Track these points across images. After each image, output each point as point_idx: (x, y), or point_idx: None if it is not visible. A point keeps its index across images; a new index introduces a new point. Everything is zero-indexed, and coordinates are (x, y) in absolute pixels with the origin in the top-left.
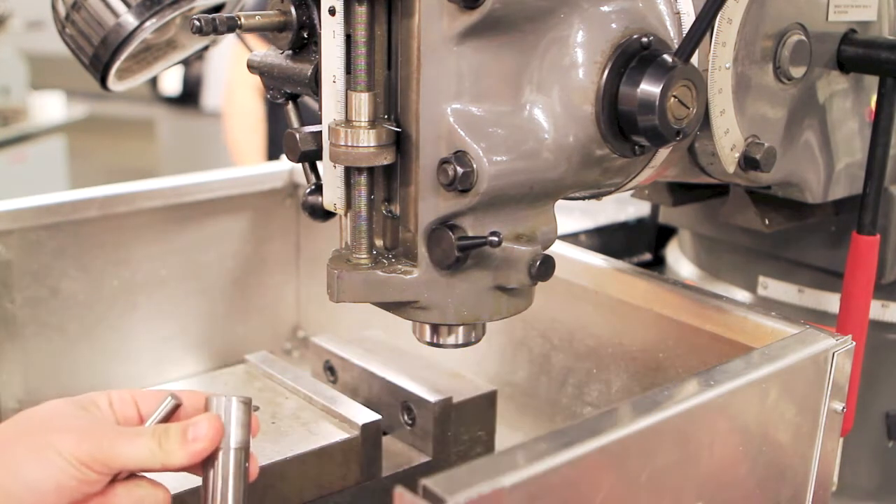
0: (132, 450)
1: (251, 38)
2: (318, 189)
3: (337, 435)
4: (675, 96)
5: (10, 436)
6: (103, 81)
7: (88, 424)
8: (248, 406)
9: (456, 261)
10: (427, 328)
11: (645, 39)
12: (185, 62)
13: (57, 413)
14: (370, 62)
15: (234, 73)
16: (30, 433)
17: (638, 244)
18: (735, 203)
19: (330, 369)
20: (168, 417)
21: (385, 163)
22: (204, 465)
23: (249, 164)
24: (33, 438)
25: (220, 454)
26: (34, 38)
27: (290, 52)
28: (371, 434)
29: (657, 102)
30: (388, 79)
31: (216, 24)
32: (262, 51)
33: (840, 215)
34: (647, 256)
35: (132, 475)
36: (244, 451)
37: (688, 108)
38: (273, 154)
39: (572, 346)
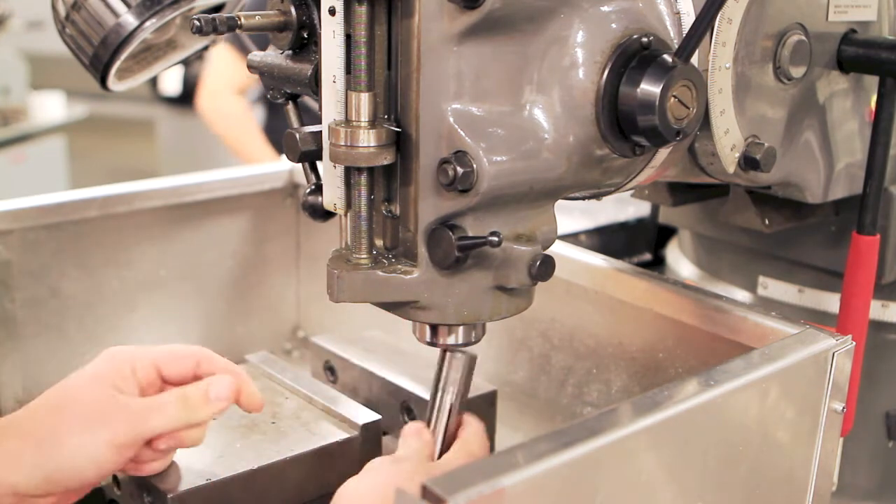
0: (161, 420)
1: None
2: (318, 189)
3: (337, 435)
4: (675, 96)
5: (53, 423)
6: (103, 81)
7: (121, 409)
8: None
9: (456, 261)
10: (427, 328)
11: (645, 39)
12: (185, 62)
13: (93, 398)
14: (370, 62)
15: (215, 81)
16: (72, 422)
17: (638, 244)
18: (735, 203)
19: (330, 369)
20: None
21: (385, 163)
22: None
23: (258, 159)
24: (77, 428)
25: None
26: (34, 38)
27: (290, 52)
28: (371, 434)
29: (657, 102)
30: (388, 79)
31: (216, 24)
32: (261, 51)
33: (840, 215)
34: (647, 256)
35: None
36: None
37: (688, 108)
38: (274, 140)
39: (572, 346)
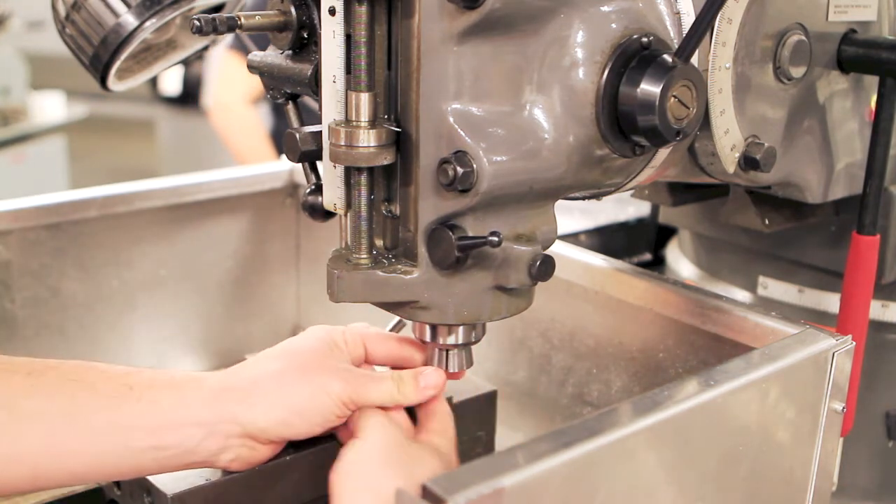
0: (378, 392)
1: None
2: (318, 189)
3: None
4: (675, 96)
5: (286, 369)
6: (103, 81)
7: (346, 369)
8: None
9: (456, 261)
10: (427, 328)
11: (645, 39)
12: (185, 62)
13: (320, 353)
14: (370, 62)
15: (225, 92)
16: (304, 370)
17: (638, 244)
18: (735, 203)
19: None
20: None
21: (385, 163)
22: None
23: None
24: (307, 376)
25: None
26: (34, 38)
27: (290, 52)
28: None
29: (657, 102)
30: (388, 79)
31: (216, 24)
32: (261, 52)
33: (840, 215)
34: (647, 256)
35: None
36: None
37: (688, 108)
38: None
39: (572, 346)
